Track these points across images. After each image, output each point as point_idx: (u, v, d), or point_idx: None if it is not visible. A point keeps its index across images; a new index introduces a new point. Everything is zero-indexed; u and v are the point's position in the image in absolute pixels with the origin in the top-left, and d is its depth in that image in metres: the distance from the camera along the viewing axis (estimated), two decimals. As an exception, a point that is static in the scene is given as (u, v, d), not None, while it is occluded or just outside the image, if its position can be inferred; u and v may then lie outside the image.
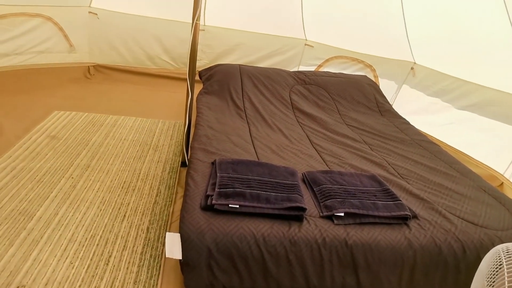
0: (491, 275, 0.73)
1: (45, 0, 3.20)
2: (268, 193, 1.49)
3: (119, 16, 3.61)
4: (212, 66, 3.10)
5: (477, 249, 1.46)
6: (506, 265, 0.68)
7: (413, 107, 3.32)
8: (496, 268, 0.72)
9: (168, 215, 1.87)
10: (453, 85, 2.97)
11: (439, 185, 1.88)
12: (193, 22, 1.91)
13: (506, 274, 0.67)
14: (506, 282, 0.65)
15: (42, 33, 3.30)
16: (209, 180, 1.60)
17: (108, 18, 3.60)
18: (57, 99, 3.04)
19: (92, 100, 3.17)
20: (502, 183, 2.50)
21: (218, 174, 1.58)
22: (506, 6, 2.20)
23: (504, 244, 0.80)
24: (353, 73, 3.66)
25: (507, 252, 0.73)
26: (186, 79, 2.04)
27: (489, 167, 2.63)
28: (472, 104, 2.83)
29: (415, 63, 3.40)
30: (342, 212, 1.46)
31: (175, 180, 2.17)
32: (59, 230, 1.64)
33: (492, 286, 0.71)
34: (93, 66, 3.75)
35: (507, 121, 2.57)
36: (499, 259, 0.72)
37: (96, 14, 3.57)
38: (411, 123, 2.85)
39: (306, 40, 3.85)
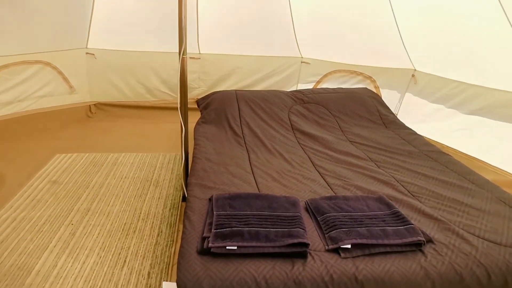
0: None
1: (43, 46, 3.29)
2: (268, 229, 1.40)
3: (115, 54, 3.68)
4: (209, 94, 3.09)
5: (503, 273, 1.32)
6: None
7: (419, 115, 3.21)
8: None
9: (170, 256, 1.79)
10: (457, 89, 2.86)
11: (454, 200, 1.76)
12: (179, 56, 1.90)
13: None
14: None
15: (42, 78, 3.37)
16: (206, 219, 1.52)
17: (105, 57, 3.67)
18: (60, 142, 3.06)
19: (94, 139, 3.18)
20: (524, 189, 2.33)
21: (214, 213, 1.50)
22: (501, 3, 2.12)
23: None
24: (353, 86, 3.59)
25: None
26: (183, 110, 2.01)
27: (508, 173, 2.47)
28: (480, 108, 2.70)
29: (415, 70, 3.31)
30: (348, 244, 1.36)
31: (176, 217, 2.10)
32: (58, 283, 1.58)
33: None
34: (94, 104, 3.80)
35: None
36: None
37: (93, 54, 3.64)
38: (419, 132, 2.74)
39: (302, 57, 3.83)
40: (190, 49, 3.86)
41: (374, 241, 1.37)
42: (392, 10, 2.93)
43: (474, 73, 2.72)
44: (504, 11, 2.12)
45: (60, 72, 3.46)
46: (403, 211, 1.64)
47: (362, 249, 1.36)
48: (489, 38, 2.41)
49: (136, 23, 3.52)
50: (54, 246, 1.81)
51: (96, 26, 3.50)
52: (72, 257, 1.74)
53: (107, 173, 2.56)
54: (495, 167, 2.55)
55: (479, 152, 2.68)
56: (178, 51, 1.89)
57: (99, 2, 3.33)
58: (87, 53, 3.62)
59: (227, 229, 1.39)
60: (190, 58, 3.87)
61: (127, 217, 2.08)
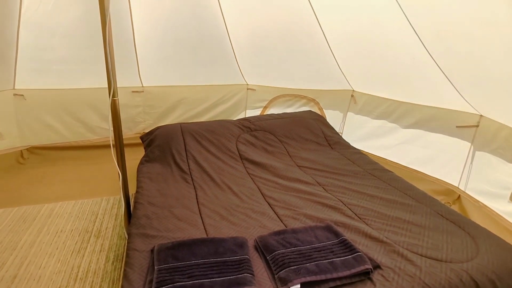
0: None
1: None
2: (214, 279, 1.31)
3: (48, 93, 3.42)
4: (153, 129, 2.96)
5: (446, 291, 1.36)
6: None
7: (361, 132, 3.36)
8: None
9: (112, 320, 1.61)
10: (391, 107, 3.04)
11: (397, 219, 1.81)
12: (109, 99, 1.79)
13: None
14: None
15: (-39, 126, 3.02)
16: (146, 275, 1.40)
17: (36, 97, 3.39)
18: (-16, 197, 2.72)
19: (25, 189, 2.87)
20: (459, 196, 2.49)
21: (155, 267, 1.38)
22: (413, 28, 2.32)
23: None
24: (299, 109, 3.68)
25: None
26: (118, 155, 1.88)
27: (445, 182, 2.64)
28: (414, 123, 2.89)
29: (354, 90, 3.49)
30: (298, 283, 1.31)
31: (120, 271, 1.92)
32: None
33: None
34: (26, 149, 3.47)
35: (447, 133, 2.62)
36: None
37: (22, 95, 3.35)
38: (363, 149, 2.85)
39: (247, 84, 3.86)
40: (132, 82, 3.77)
41: (323, 277, 1.34)
42: (325, 36, 3.08)
43: (403, 92, 2.93)
44: (420, 39, 2.32)
45: (-18, 118, 3.13)
46: (351, 236, 1.65)
47: (312, 287, 1.32)
48: (409, 62, 2.62)
49: (66, 60, 3.32)
50: (-30, 329, 1.54)
51: (22, 65, 3.25)
52: None
53: (39, 229, 2.30)
54: (432, 177, 2.71)
55: (417, 163, 2.85)
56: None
57: (23, 39, 3.10)
58: (15, 94, 3.33)
59: (169, 285, 1.28)
60: (133, 92, 3.74)
61: (62, 279, 1.85)
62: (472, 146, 2.46)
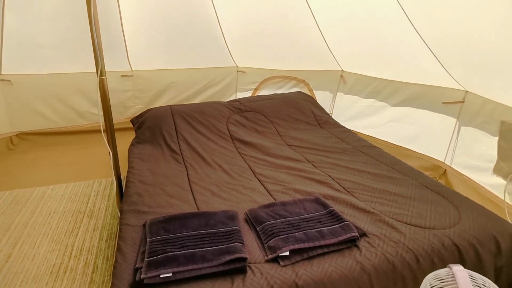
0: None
1: None
2: (205, 249, 1.35)
3: (36, 78, 3.37)
4: (143, 112, 2.95)
5: (429, 255, 1.41)
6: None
7: (351, 112, 3.39)
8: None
9: (107, 293, 1.65)
10: (380, 86, 3.07)
11: (384, 191, 1.86)
12: (97, 77, 1.78)
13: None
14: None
15: None
16: (139, 248, 1.43)
17: (24, 83, 3.34)
18: (-27, 182, 2.71)
19: (16, 174, 2.87)
20: (445, 170, 2.56)
21: (147, 239, 1.41)
22: (405, 12, 2.33)
23: (430, 274, 0.73)
24: (289, 91, 3.69)
25: (436, 278, 0.66)
26: (109, 134, 1.89)
27: (431, 158, 2.70)
28: (402, 101, 2.93)
29: (343, 70, 3.50)
30: (287, 251, 1.36)
31: (114, 248, 1.95)
32: None
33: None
34: (16, 135, 3.44)
35: (434, 110, 2.67)
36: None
37: (9, 80, 3.30)
38: (352, 128, 2.89)
39: (237, 67, 3.85)
40: (122, 66, 3.72)
41: (311, 244, 1.39)
42: (314, 17, 3.07)
43: (391, 70, 2.95)
44: (408, 18, 2.33)
45: (-31, 104, 3.08)
46: (339, 208, 1.70)
47: (301, 254, 1.37)
48: (397, 40, 2.64)
49: (53, 45, 3.26)
50: (-33, 305, 1.57)
51: (8, 50, 3.18)
52: (-11, 315, 1.52)
53: (32, 211, 2.31)
54: (419, 153, 2.77)
55: (405, 141, 2.90)
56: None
57: (8, 24, 3.04)
58: (1, 79, 3.27)
59: (161, 255, 1.31)
60: (122, 76, 3.70)
61: (56, 257, 1.88)
62: (457, 122, 2.51)
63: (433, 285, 0.68)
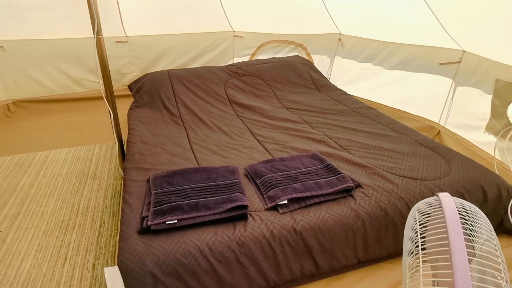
0: (412, 237, 0.72)
1: None
2: (207, 198, 1.42)
3: (28, 44, 3.31)
4: (140, 77, 2.94)
5: (420, 203, 1.50)
6: (420, 223, 0.67)
7: (348, 76, 3.39)
8: (413, 230, 0.71)
9: (115, 245, 1.74)
10: (378, 48, 3.06)
11: (379, 148, 1.92)
12: (94, 36, 1.77)
13: (418, 233, 0.66)
14: (419, 242, 0.64)
15: None
16: (144, 200, 1.49)
17: (17, 48, 3.28)
18: (-25, 148, 2.74)
19: (16, 140, 2.89)
20: (439, 131, 2.62)
21: (152, 192, 1.48)
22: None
23: (418, 203, 0.79)
24: (286, 55, 3.66)
25: (422, 209, 0.72)
26: (108, 93, 1.90)
27: (426, 119, 2.75)
28: (399, 63, 2.93)
29: (341, 34, 3.46)
30: (285, 200, 1.43)
31: (119, 206, 2.03)
32: (-11, 294, 1.46)
33: (415, 247, 0.70)
34: (13, 102, 3.42)
35: (430, 71, 2.68)
36: (414, 220, 0.71)
37: (2, 46, 3.24)
38: (350, 92, 2.91)
39: (234, 31, 3.78)
40: (116, 32, 3.64)
41: (308, 193, 1.46)
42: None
43: (389, 31, 2.93)
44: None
45: (-38, 70, 3.04)
46: (335, 163, 1.76)
47: (298, 203, 1.45)
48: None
49: (43, 7, 3.17)
50: (-18, 257, 1.65)
51: (-2, 14, 3.10)
52: (4, 265, 1.61)
53: (36, 173, 2.36)
54: (414, 115, 2.82)
55: (401, 103, 2.93)
56: (103, 35, 1.75)
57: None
58: (-7, 45, 3.21)
59: (166, 205, 1.38)
60: (117, 42, 3.63)
61: (64, 214, 1.96)
62: (453, 82, 2.54)
63: (421, 209, 0.74)
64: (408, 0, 2.49)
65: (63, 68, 3.52)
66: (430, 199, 0.76)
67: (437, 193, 0.76)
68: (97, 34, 1.78)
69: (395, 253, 1.54)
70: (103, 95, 1.88)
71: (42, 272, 1.57)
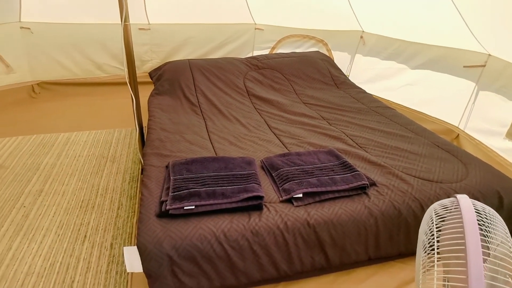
0: (427, 237, 0.73)
1: (-33, 21, 2.96)
2: (224, 187, 1.46)
3: (55, 27, 3.40)
4: (161, 65, 2.99)
5: (434, 205, 1.50)
6: (436, 224, 0.69)
7: (368, 75, 3.36)
8: (430, 229, 0.72)
9: (132, 226, 1.80)
10: (400, 47, 3.01)
11: (396, 148, 1.91)
12: (122, 23, 1.81)
13: (435, 233, 0.67)
14: (435, 242, 0.66)
15: (-28, 58, 3.06)
16: (163, 185, 1.54)
17: (43, 31, 3.38)
18: (1, 125, 2.85)
19: (40, 120, 3.00)
20: (458, 135, 2.58)
21: (171, 178, 1.52)
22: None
23: (435, 203, 0.80)
24: (306, 50, 3.65)
25: (440, 207, 0.73)
26: (131, 79, 1.95)
27: (445, 122, 2.71)
28: (422, 63, 2.88)
29: (363, 31, 3.42)
30: (300, 193, 1.45)
31: (136, 189, 2.10)
32: (14, 265, 1.54)
33: (429, 247, 0.71)
34: (37, 84, 3.53)
35: (453, 73, 2.64)
36: (431, 220, 0.72)
37: (29, 28, 3.34)
38: (369, 91, 2.88)
39: (255, 24, 3.78)
40: (139, 19, 3.70)
41: (323, 189, 1.48)
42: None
43: (413, 31, 2.88)
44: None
45: (-8, 50, 3.16)
46: (351, 161, 1.77)
47: (313, 197, 1.47)
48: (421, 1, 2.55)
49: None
50: (7, 230, 1.74)
51: (26, -3, 3.19)
52: (27, 238, 1.70)
53: (58, 153, 2.45)
54: (433, 117, 2.78)
55: (420, 105, 2.90)
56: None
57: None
58: (21, 27, 3.31)
59: (184, 191, 1.42)
60: (140, 29, 3.68)
61: (84, 194, 2.04)
62: (476, 86, 2.49)
63: (437, 209, 0.76)
64: (434, 0, 2.45)
65: (87, 53, 3.61)
66: (447, 200, 0.77)
67: (455, 195, 0.77)
68: (125, 21, 1.82)
69: (406, 253, 1.55)
70: (127, 81, 1.93)
71: (63, 247, 1.65)
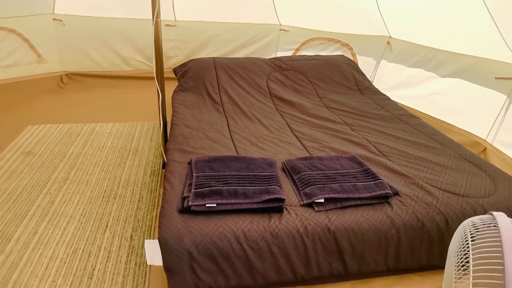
0: (460, 251, 0.71)
1: (4, 11, 3.08)
2: (246, 187, 1.46)
3: (85, 20, 3.50)
4: (186, 62, 3.03)
5: (459, 220, 1.45)
6: (471, 239, 0.67)
7: (393, 81, 3.30)
8: (463, 245, 0.70)
9: (152, 219, 1.84)
10: (429, 55, 2.94)
11: (420, 158, 1.87)
12: (153, 19, 1.84)
13: (470, 249, 0.65)
14: (471, 259, 0.64)
15: (7, 46, 3.19)
16: (186, 181, 1.56)
17: (74, 24, 3.48)
18: (31, 113, 2.96)
19: (67, 110, 3.09)
20: (485, 148, 2.50)
21: (194, 174, 1.54)
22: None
23: (470, 218, 0.78)
24: (331, 54, 3.61)
25: (473, 226, 0.71)
26: (158, 75, 1.98)
27: (472, 134, 2.63)
28: (451, 72, 2.81)
29: (390, 37, 3.36)
30: (322, 198, 1.44)
31: (157, 183, 2.13)
32: (39, 249, 1.60)
33: (461, 262, 0.70)
34: (66, 74, 3.65)
35: (484, 85, 2.56)
36: (465, 235, 0.70)
37: (61, 20, 3.45)
38: (393, 98, 2.83)
39: (280, 25, 3.78)
40: (166, 15, 3.76)
41: (345, 195, 1.46)
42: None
43: (443, 39, 2.81)
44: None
45: (26, 40, 3.28)
46: (374, 168, 1.74)
47: (335, 203, 1.45)
48: (455, 9, 2.47)
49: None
50: (33, 215, 1.81)
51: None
52: (52, 224, 1.76)
53: (83, 143, 2.53)
54: (459, 128, 2.70)
55: (447, 115, 2.82)
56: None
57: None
58: (54, 19, 3.43)
59: (207, 188, 1.44)
60: (166, 25, 3.74)
61: (106, 185, 2.09)
62: (508, 99, 2.40)
63: (472, 232, 0.73)
64: (468, 8, 2.38)
65: (114, 46, 3.69)
66: (481, 217, 0.75)
67: (491, 212, 0.75)
68: (156, 17, 1.85)
69: (427, 266, 1.51)
70: (154, 76, 1.96)
71: (85, 235, 1.70)
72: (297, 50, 3.79)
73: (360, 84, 2.98)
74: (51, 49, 3.50)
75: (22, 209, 1.84)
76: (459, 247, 0.71)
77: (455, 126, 2.74)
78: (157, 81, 1.98)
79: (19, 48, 3.26)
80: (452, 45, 2.77)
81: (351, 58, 3.55)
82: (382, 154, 1.94)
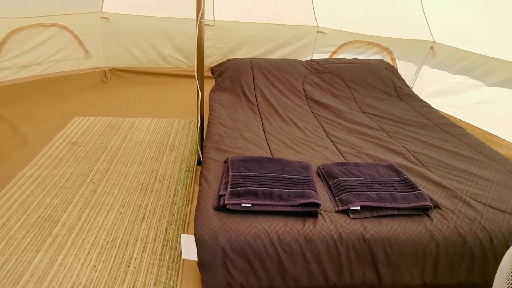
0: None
1: (58, 9, 3.29)
2: (281, 190, 1.47)
3: (129, 19, 3.66)
4: (223, 61, 3.08)
5: (505, 238, 1.38)
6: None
7: (435, 88, 3.16)
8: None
9: (186, 214, 1.89)
10: (477, 62, 2.79)
11: (463, 171, 1.79)
12: (197, 20, 1.90)
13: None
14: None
15: (58, 42, 3.40)
16: (221, 179, 1.60)
17: (119, 22, 3.65)
18: (77, 105, 3.14)
19: (109, 104, 3.25)
20: (535, 163, 2.33)
21: (230, 173, 1.57)
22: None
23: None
24: (369, 58, 3.53)
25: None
26: (199, 74, 2.04)
27: (520, 148, 2.47)
28: (500, 81, 2.65)
29: (434, 42, 3.22)
30: (358, 206, 1.42)
31: (192, 179, 2.19)
32: (82, 234, 1.70)
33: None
34: (109, 70, 3.83)
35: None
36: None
37: (108, 18, 3.63)
38: (434, 106, 2.72)
39: (318, 27, 3.74)
40: (206, 15, 3.84)
41: (382, 204, 1.43)
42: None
43: (492, 46, 2.65)
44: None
45: (75, 36, 3.48)
46: (412, 178, 1.69)
47: (371, 211, 1.43)
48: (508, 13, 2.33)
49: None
50: (78, 202, 1.92)
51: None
52: (94, 212, 1.86)
53: (123, 137, 2.65)
54: (506, 141, 2.54)
55: (492, 125, 2.67)
56: (192, 17, 1.88)
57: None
58: (102, 17, 3.61)
59: (242, 188, 1.46)
60: (205, 24, 3.82)
61: (144, 178, 2.17)
62: None
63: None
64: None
65: (155, 44, 3.83)
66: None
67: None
68: (200, 18, 1.90)
69: (466, 284, 1.44)
70: (195, 74, 2.02)
71: (124, 225, 1.78)
72: (334, 53, 3.73)
73: (399, 90, 2.89)
74: (97, 46, 3.70)
75: (67, 196, 1.96)
76: (508, 274, 0.68)
77: (502, 138, 2.59)
78: (197, 80, 2.04)
79: (69, 44, 3.47)
80: (502, 52, 2.62)
81: (391, 62, 3.45)
82: (422, 164, 1.87)
